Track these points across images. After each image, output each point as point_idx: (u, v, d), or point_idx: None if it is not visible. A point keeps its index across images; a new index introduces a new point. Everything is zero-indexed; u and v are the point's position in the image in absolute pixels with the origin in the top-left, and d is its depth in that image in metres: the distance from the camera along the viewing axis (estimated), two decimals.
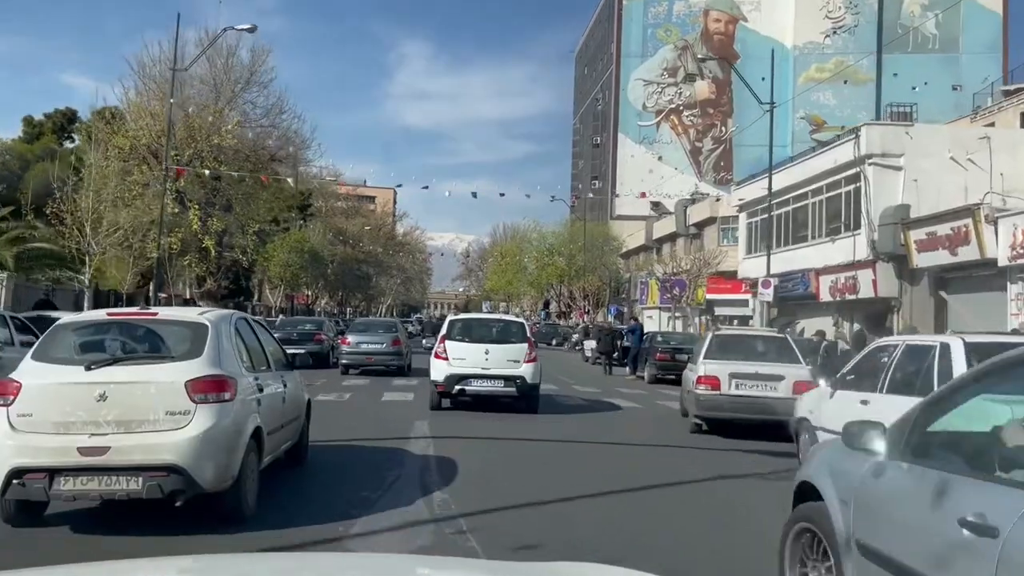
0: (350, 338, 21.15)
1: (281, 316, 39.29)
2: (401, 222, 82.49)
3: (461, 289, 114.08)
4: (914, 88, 51.44)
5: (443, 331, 13.38)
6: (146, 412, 5.17)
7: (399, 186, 61.07)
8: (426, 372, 13.60)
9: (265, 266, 38.64)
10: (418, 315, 67.46)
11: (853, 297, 23.26)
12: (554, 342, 44.42)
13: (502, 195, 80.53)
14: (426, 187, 72.39)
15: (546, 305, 71.03)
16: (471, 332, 13.42)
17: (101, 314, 6.08)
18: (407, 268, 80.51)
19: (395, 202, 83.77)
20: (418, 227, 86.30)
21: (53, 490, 5.01)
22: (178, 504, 5.22)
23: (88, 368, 5.17)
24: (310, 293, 55.62)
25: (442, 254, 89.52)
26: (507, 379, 12.86)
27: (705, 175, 57.54)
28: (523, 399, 12.74)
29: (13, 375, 5.35)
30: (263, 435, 5.92)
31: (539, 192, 72.47)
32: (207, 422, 5.25)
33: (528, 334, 13.85)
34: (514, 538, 5.55)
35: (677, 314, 34.80)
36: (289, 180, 35.59)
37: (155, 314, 5.90)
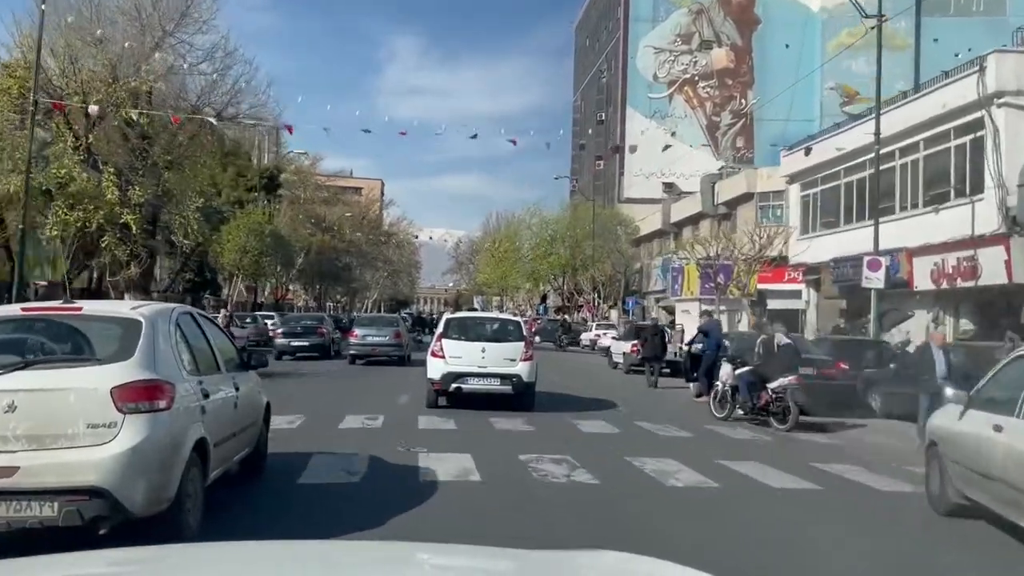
0: (357, 331, 24.60)
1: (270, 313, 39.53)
2: (388, 210, 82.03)
3: (451, 284, 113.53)
4: (956, 55, 48.22)
5: (439, 329, 14.16)
6: (64, 425, 4.62)
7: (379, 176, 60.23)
8: (423, 363, 14.35)
9: (218, 252, 34.31)
10: (407, 311, 67.83)
11: (970, 284, 19.04)
12: (563, 340, 40.79)
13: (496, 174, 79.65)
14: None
15: (543, 299, 69.05)
16: (468, 331, 14.13)
17: (14, 309, 5.47)
18: (394, 261, 78.33)
19: (383, 193, 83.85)
20: (405, 217, 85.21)
21: None
22: (102, 532, 4.58)
23: None
24: (275, 284, 50.86)
25: (431, 238, 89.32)
26: (503, 377, 13.41)
27: (723, 152, 54.66)
28: (519, 397, 13.37)
29: None
30: (208, 447, 5.34)
31: (531, 186, 69.55)
32: (137, 436, 4.71)
33: (525, 332, 14.71)
34: None
35: (721, 307, 29.49)
36: (227, 133, 32.42)
37: (79, 309, 5.31)
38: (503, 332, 14.33)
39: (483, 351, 13.41)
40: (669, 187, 49.16)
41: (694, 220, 41.71)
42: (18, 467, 4.59)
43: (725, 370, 13.27)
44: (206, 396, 5.59)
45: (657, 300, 42.07)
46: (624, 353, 24.09)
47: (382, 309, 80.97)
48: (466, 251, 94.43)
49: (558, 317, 51.62)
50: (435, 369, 13.36)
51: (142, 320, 5.27)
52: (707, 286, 30.96)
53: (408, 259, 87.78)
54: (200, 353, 5.85)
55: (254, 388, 6.98)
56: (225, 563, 2.04)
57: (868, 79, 49.85)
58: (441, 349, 13.50)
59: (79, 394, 4.80)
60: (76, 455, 4.69)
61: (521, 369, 13.36)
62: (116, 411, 4.79)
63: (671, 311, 39.88)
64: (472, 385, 13.29)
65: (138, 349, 5.08)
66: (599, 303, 49.24)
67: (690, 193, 44.88)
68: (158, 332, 5.29)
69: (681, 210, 43.60)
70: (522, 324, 15.82)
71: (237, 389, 6.31)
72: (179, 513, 5.09)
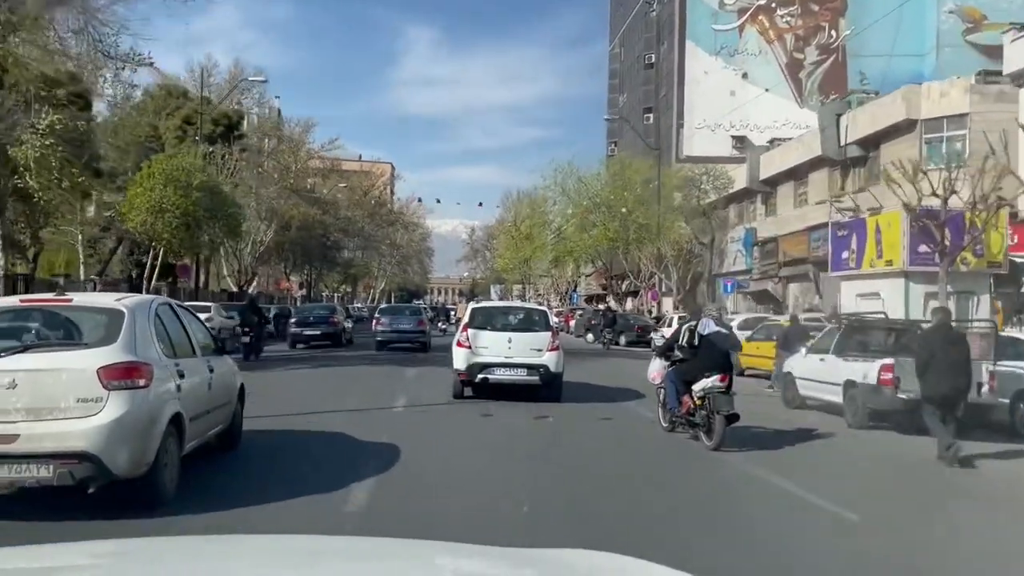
0: (384, 319, 27.85)
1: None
2: (398, 183, 79.20)
3: (466, 274, 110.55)
4: None
5: (465, 319, 14.70)
6: (57, 399, 5.64)
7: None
8: (440, 348, 15.87)
9: (125, 212, 25.36)
10: (419, 302, 64.53)
11: None
12: (608, 337, 32.21)
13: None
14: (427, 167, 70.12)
15: (573, 287, 63.83)
16: (494, 320, 14.65)
17: (13, 300, 6.45)
18: (403, 246, 73.22)
19: (392, 176, 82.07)
20: (416, 198, 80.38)
21: None
22: (91, 491, 5.60)
23: None
24: (237, 267, 42.28)
25: (429, 208, 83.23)
26: (530, 367, 13.78)
27: (808, 98, 46.32)
28: (546, 388, 13.98)
29: None
30: (184, 421, 6.42)
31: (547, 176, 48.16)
32: (120, 409, 5.77)
33: (551, 322, 15.28)
34: None
35: (950, 288, 19.35)
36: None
37: (70, 300, 6.27)
38: (529, 321, 14.75)
39: (510, 341, 13.76)
40: (740, 141, 41.89)
41: (800, 172, 34.37)
42: (18, 435, 5.60)
43: (653, 367, 11.44)
44: (182, 376, 6.65)
45: (838, 275, 25.01)
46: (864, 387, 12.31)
47: (392, 300, 78.04)
48: (482, 238, 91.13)
49: (601, 307, 43.01)
50: (461, 359, 13.76)
51: (124, 310, 6.28)
52: (926, 249, 20.07)
53: (418, 245, 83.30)
54: (177, 339, 6.95)
55: (228, 372, 8.10)
56: (206, 557, 2.12)
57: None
58: (467, 339, 13.82)
59: (70, 373, 5.80)
60: (68, 425, 5.71)
61: (548, 359, 13.78)
62: (102, 388, 5.82)
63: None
64: (499, 376, 13.69)
65: (121, 335, 6.10)
66: (675, 287, 40.55)
67: (783, 140, 37.87)
68: (138, 320, 6.32)
69: (779, 160, 35.69)
70: (549, 313, 16.40)
71: (211, 371, 7.44)
72: (157, 476, 6.19)
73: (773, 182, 36.91)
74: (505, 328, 14.27)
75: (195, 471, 7.20)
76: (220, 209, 27.18)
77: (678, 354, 10.61)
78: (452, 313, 48.80)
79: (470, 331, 13.90)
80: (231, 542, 2.60)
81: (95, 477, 5.93)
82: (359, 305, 52.74)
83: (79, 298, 6.98)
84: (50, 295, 7.09)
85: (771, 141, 39.22)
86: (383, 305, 44.00)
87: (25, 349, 6.15)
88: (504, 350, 13.64)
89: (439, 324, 38.89)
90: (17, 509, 6.39)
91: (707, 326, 10.27)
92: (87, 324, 6.50)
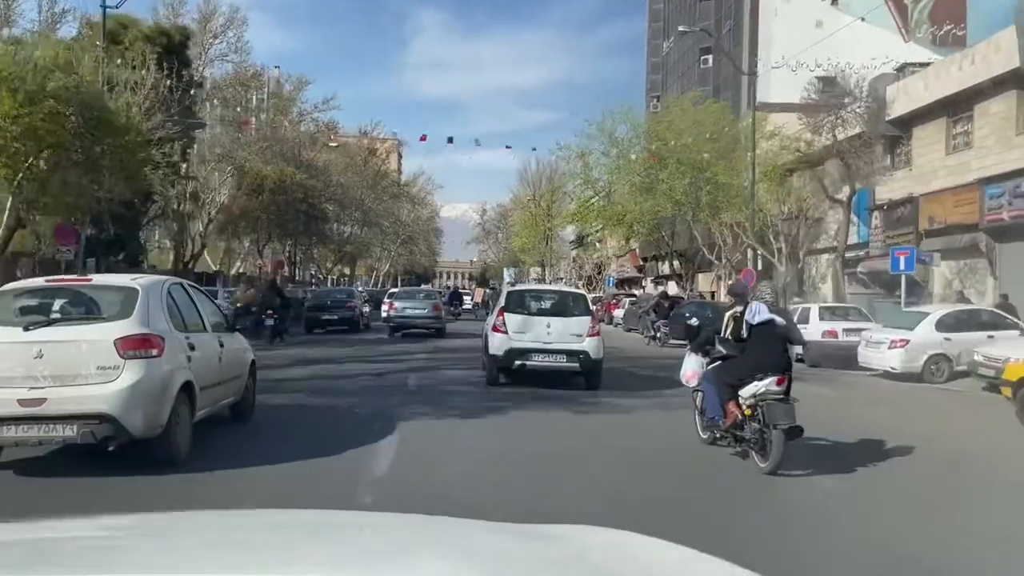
0: (396, 304, 27.81)
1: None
2: (406, 160, 72.80)
3: (475, 258, 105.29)
4: None
5: (501, 303, 14.67)
6: (79, 367, 6.41)
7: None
8: (458, 335, 15.56)
9: None
10: (426, 286, 61.92)
11: None
12: (659, 330, 26.04)
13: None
14: (423, 137, 67.00)
15: (598, 269, 56.05)
16: (531, 304, 14.55)
17: (40, 281, 7.23)
18: (409, 224, 66.93)
19: (399, 154, 76.87)
20: (423, 172, 75.78)
21: None
22: (110, 449, 6.34)
23: (26, 329, 6.49)
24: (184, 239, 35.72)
25: (438, 185, 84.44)
26: (570, 354, 13.60)
27: (916, 29, 39.46)
28: (586, 375, 13.98)
29: None
30: (194, 389, 7.24)
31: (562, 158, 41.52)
32: (135, 375, 6.57)
33: (590, 306, 15.10)
34: None
35: None
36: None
37: (90, 280, 7.03)
38: (568, 305, 14.57)
39: (548, 326, 13.61)
40: (829, 83, 32.11)
41: (960, 103, 25.10)
42: (46, 399, 6.42)
43: (688, 365, 9.53)
44: (192, 349, 7.48)
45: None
46: None
47: (399, 283, 74.77)
48: (494, 218, 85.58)
49: (654, 292, 36.68)
50: (498, 345, 13.65)
51: (139, 288, 7.10)
52: None
53: (426, 224, 76.74)
54: (188, 315, 7.75)
55: (239, 348, 8.99)
56: (209, 529, 2.11)
57: None
58: (503, 324, 13.65)
59: (90, 344, 6.62)
60: (89, 390, 6.52)
61: (588, 345, 13.64)
62: (119, 357, 6.65)
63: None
64: (536, 362, 13.58)
65: (135, 310, 6.94)
66: (783, 264, 30.40)
67: (915, 67, 29.43)
68: (151, 298, 7.18)
69: (924, 90, 26.70)
70: (587, 297, 16.29)
71: (222, 346, 8.05)
72: (170, 437, 7.11)
73: (906, 122, 27.55)
74: (543, 312, 14.06)
75: (209, 438, 8.00)
76: (109, 137, 18.27)
77: (720, 349, 8.73)
78: (467, 298, 47.62)
79: (506, 315, 13.75)
80: (247, 515, 2.59)
81: (114, 436, 7.02)
82: (360, 289, 46.95)
83: (98, 278, 7.83)
84: (72, 276, 7.92)
85: (900, 68, 30.60)
86: (395, 289, 42.88)
87: (50, 323, 7.25)
88: (543, 335, 13.48)
89: (451, 308, 38.48)
90: (47, 468, 7.18)
91: (759, 313, 8.22)
92: (105, 301, 7.58)
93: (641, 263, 49.92)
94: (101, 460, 7.25)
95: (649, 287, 42.97)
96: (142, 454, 7.28)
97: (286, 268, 46.40)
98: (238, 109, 40.75)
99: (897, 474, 8.06)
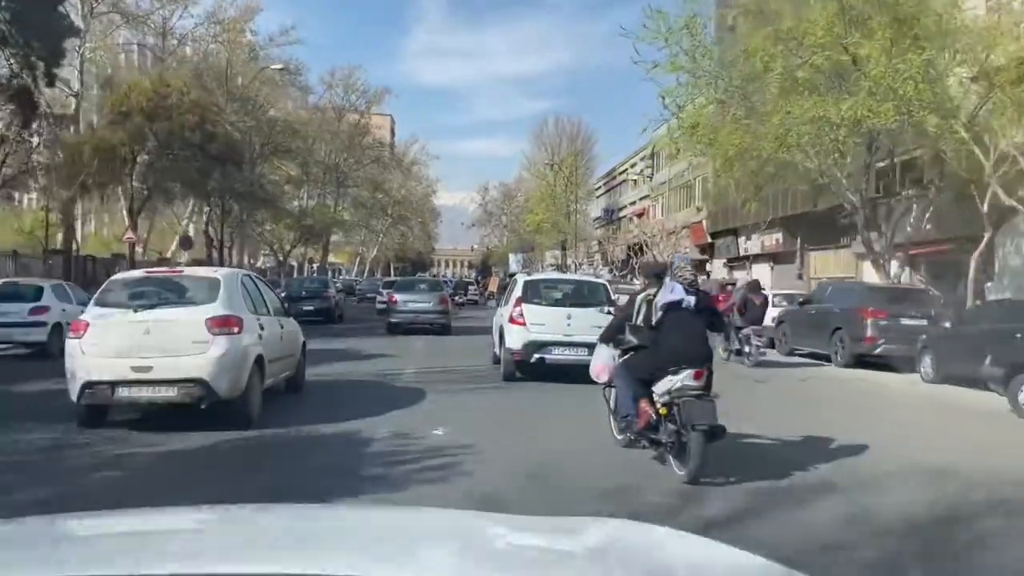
0: (397, 297, 24.19)
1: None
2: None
3: (476, 245, 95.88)
4: None
5: (518, 293, 13.86)
6: (178, 341, 8.18)
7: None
8: (466, 331, 16.48)
9: None
10: (423, 275, 55.47)
11: None
12: (744, 344, 17.70)
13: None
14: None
15: (634, 250, 45.25)
16: (550, 295, 14.16)
17: (141, 272, 8.91)
18: (401, 201, 56.71)
19: (393, 131, 72.63)
20: (416, 140, 65.64)
21: (115, 397, 7.92)
22: (203, 407, 8.04)
23: (136, 311, 8.12)
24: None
25: (434, 155, 72.66)
26: (592, 347, 11.67)
27: None
28: None
29: (82, 316, 8.23)
30: (264, 361, 9.07)
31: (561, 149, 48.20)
32: (222, 348, 8.32)
33: (611, 296, 14.10)
34: None
35: None
36: None
37: (181, 271, 8.78)
38: (589, 296, 14.10)
39: (569, 318, 13.09)
40: None
41: None
42: (152, 366, 8.16)
43: (598, 358, 8.35)
44: (262, 328, 9.21)
45: None
46: None
47: (392, 272, 67.36)
48: (497, 199, 73.89)
49: (738, 282, 25.34)
50: (516, 338, 13.13)
51: (220, 278, 8.79)
52: None
53: (420, 204, 64.15)
54: (256, 301, 9.45)
55: (295, 330, 10.85)
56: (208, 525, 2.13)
57: None
58: (521, 315, 13.17)
59: (186, 323, 8.41)
60: (186, 360, 8.30)
61: None
62: (208, 333, 8.42)
63: None
64: (556, 356, 13.00)
65: (219, 296, 8.72)
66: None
67: None
68: (230, 285, 8.88)
69: None
70: (608, 287, 15.06)
71: (282, 327, 9.85)
72: (247, 401, 8.69)
73: None
74: (563, 303, 13.66)
75: (271, 407, 9.68)
76: None
77: (631, 339, 7.58)
78: (471, 288, 45.88)
79: (524, 306, 13.26)
80: (253, 510, 2.60)
81: (206, 397, 8.82)
82: (345, 277, 43.73)
83: (188, 270, 9.59)
84: (167, 268, 9.73)
85: None
86: (392, 279, 39.43)
87: (155, 306, 9.03)
88: (563, 327, 12.95)
89: (456, 298, 36.73)
90: (150, 426, 8.91)
91: (670, 293, 7.19)
92: (195, 288, 9.41)
93: (709, 240, 37.56)
94: (182, 422, 8.93)
95: (718, 274, 32.31)
96: (223, 417, 9.07)
97: (192, 244, 35.45)
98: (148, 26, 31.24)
99: (843, 479, 7.03)
